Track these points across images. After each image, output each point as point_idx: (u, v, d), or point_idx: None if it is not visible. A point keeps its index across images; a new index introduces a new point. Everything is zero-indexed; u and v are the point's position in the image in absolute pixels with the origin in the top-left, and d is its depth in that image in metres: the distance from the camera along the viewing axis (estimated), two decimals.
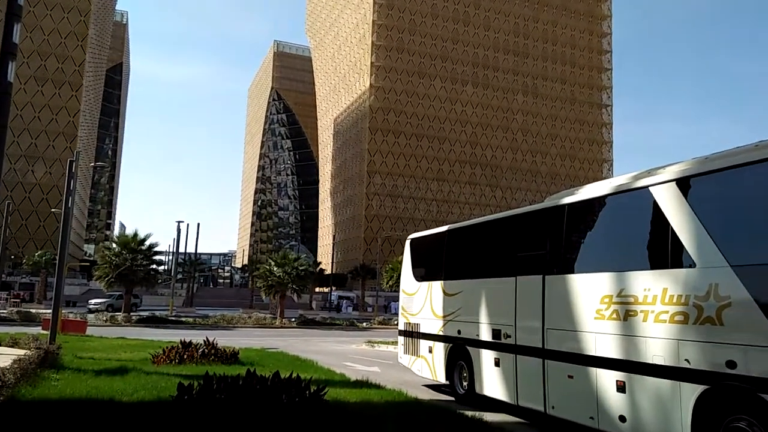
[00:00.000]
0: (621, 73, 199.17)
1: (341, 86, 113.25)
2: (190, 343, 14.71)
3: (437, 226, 14.08)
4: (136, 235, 38.73)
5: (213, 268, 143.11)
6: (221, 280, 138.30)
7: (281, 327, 37.18)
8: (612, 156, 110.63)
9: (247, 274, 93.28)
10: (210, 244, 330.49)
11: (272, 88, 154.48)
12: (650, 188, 7.37)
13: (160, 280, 45.44)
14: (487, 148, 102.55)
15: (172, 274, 56.93)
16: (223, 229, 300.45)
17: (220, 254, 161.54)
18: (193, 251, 73.65)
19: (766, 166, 6.13)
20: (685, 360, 6.43)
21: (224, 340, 18.69)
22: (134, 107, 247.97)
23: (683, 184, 6.95)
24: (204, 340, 15.08)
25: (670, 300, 6.73)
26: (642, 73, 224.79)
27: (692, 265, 6.59)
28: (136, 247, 37.74)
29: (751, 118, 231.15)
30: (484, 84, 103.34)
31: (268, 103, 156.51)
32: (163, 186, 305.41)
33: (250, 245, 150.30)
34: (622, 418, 7.24)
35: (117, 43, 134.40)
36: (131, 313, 38.41)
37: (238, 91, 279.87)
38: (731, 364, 5.94)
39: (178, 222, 62.88)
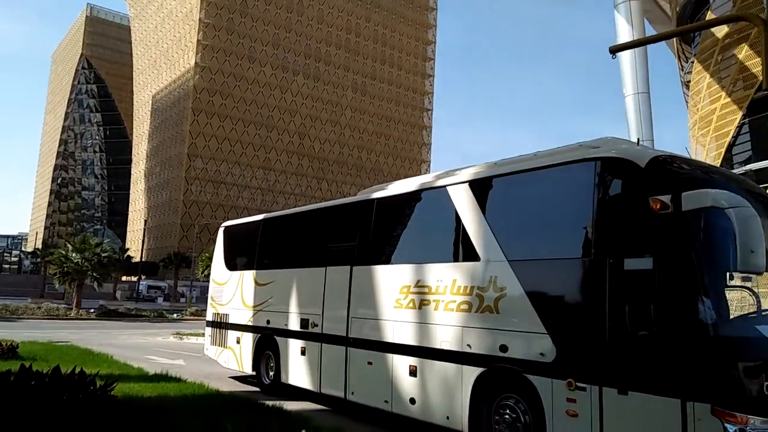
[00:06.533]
0: (442, 80, 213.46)
1: (163, 61, 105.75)
2: None
3: None
4: None
5: None
6: (7, 266, 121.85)
7: (77, 318, 33.73)
8: (430, 157, 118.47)
9: (39, 260, 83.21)
10: None
11: (82, 55, 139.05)
12: (447, 188, 7.97)
13: None
14: (316, 140, 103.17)
15: None
16: (14, 209, 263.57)
17: (7, 236, 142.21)
18: None
19: (538, 174, 7.00)
20: (468, 345, 7.07)
21: (4, 332, 16.65)
22: None
23: (474, 185, 7.63)
24: None
25: (458, 290, 7.35)
26: (459, 82, 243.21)
27: (477, 259, 7.27)
28: None
29: (549, 129, 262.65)
30: (315, 76, 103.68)
31: (77, 71, 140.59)
32: None
33: (46, 227, 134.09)
34: (413, 401, 7.75)
35: None
36: None
37: (39, 54, 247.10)
38: (504, 348, 6.65)
39: None
